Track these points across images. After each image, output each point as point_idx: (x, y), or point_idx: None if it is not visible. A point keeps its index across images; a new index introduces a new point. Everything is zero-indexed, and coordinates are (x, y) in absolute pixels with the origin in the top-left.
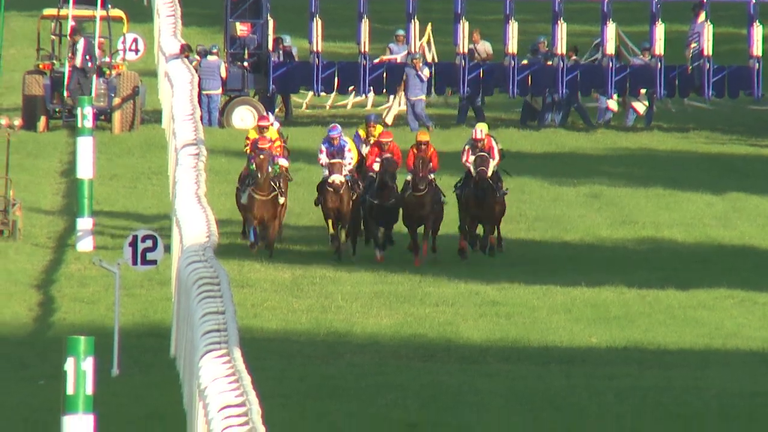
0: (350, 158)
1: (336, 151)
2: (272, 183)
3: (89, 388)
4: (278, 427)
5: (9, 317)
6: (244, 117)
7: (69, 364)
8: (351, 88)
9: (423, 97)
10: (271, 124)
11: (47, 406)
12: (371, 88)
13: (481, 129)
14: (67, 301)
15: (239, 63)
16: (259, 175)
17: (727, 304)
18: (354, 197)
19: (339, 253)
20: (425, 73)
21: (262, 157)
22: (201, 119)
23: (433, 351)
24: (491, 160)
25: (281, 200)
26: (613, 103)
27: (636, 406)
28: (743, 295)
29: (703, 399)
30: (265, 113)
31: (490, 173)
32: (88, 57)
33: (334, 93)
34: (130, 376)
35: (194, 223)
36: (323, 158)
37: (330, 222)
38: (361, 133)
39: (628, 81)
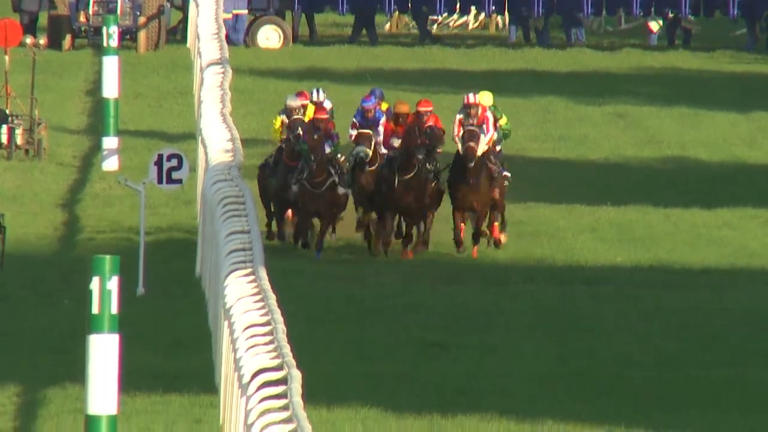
0: (381, 134)
1: (371, 126)
2: (329, 169)
3: (114, 308)
4: (303, 346)
5: (34, 237)
6: (269, 36)
7: (94, 284)
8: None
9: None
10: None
11: (72, 325)
12: (395, 7)
13: (474, 94)
14: (93, 220)
15: None
16: (313, 158)
17: (752, 224)
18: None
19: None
20: None
21: (316, 136)
22: (226, 38)
23: (458, 272)
24: (483, 135)
25: (341, 191)
26: (654, 24)
27: (661, 327)
28: None
29: (728, 319)
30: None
31: (480, 151)
32: None
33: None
34: (156, 296)
35: (219, 142)
36: (355, 134)
37: (360, 210)
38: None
39: (653, 1)
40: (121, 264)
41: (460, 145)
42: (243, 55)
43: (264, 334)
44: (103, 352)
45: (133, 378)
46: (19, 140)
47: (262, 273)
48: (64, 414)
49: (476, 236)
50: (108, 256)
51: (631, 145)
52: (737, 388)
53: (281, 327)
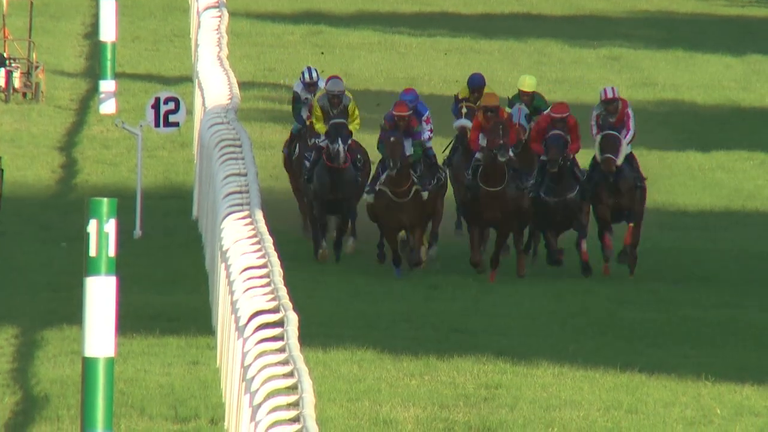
0: (429, 131)
1: None
2: (412, 173)
3: (112, 250)
4: (300, 288)
5: (32, 179)
6: None
7: (91, 226)
8: None
9: None
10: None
11: (70, 267)
12: None
13: (612, 88)
14: (90, 163)
15: None
16: (392, 164)
17: (746, 165)
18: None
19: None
20: None
21: (393, 139)
22: None
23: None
24: (623, 140)
25: (424, 195)
26: None
27: (655, 268)
28: (762, 157)
29: (722, 260)
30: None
31: (620, 161)
32: None
33: None
34: (153, 238)
35: (216, 85)
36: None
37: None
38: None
39: None
40: (118, 206)
41: (598, 154)
42: None
43: (261, 277)
44: (101, 295)
45: (130, 320)
46: (16, 83)
47: (259, 216)
48: (61, 356)
49: (628, 252)
50: (105, 199)
51: (626, 88)
52: (731, 328)
53: (278, 270)
